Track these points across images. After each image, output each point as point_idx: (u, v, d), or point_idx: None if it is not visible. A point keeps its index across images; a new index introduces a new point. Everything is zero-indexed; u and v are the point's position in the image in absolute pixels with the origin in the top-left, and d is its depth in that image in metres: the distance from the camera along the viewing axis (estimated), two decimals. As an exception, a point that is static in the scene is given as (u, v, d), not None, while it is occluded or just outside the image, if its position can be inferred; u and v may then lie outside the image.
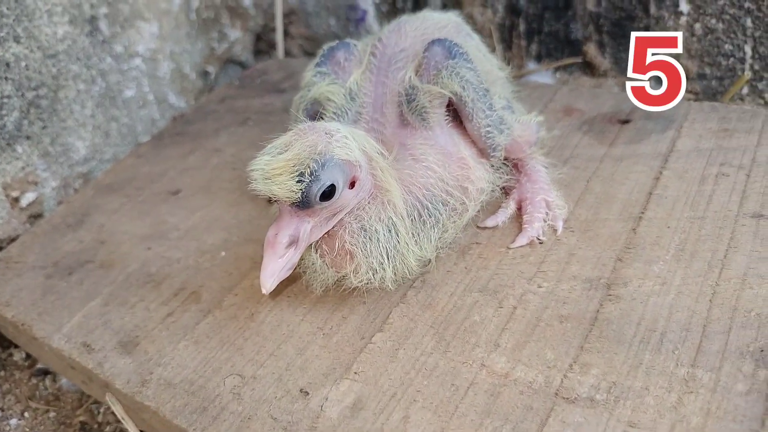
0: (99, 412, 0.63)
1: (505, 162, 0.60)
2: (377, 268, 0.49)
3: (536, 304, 0.50)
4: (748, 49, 0.77)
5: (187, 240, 0.65)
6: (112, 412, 0.61)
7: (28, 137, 0.75)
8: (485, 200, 0.57)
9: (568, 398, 0.43)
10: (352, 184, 0.48)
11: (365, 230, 0.49)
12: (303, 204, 0.46)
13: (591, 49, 0.86)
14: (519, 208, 0.58)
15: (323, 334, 0.51)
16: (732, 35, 0.77)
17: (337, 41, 0.61)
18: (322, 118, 0.58)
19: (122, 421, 0.53)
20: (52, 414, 0.64)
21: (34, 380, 0.67)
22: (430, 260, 0.53)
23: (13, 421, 0.63)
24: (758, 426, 0.39)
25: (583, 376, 0.44)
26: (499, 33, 0.92)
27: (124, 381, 0.52)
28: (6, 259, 0.69)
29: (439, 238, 0.53)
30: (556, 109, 0.72)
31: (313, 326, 0.52)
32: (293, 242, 0.48)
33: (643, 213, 0.56)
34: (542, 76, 0.89)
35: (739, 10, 0.75)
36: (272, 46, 1.07)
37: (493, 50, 0.92)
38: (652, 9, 0.80)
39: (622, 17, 0.82)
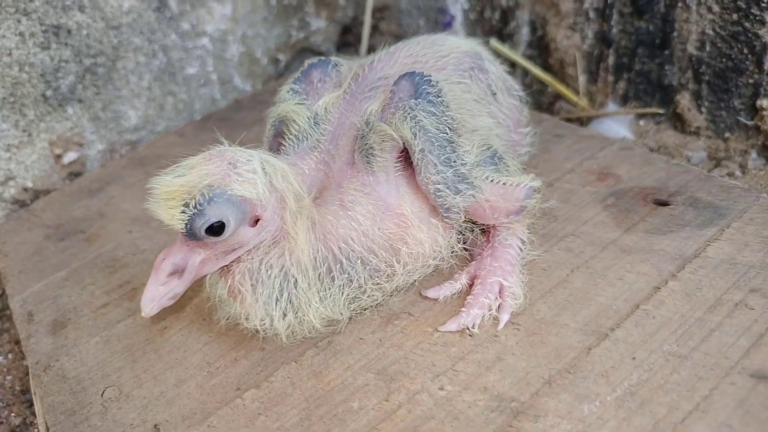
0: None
1: (472, 224, 0.51)
2: (266, 317, 0.44)
3: (423, 410, 0.42)
4: None
5: (161, 232, 0.65)
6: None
7: (80, 101, 0.80)
8: (433, 264, 0.49)
9: None
10: (256, 221, 0.44)
11: (258, 274, 0.44)
12: (189, 235, 0.43)
13: (684, 100, 0.70)
14: (471, 286, 0.49)
15: (207, 372, 0.48)
16: None
17: (318, 58, 0.55)
18: (284, 139, 0.54)
19: (33, 397, 0.55)
20: (25, 363, 0.68)
21: (25, 327, 0.72)
22: (339, 321, 0.47)
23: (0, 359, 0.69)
24: None
25: None
26: (586, 62, 0.79)
27: (35, 360, 0.53)
28: (30, 211, 0.75)
29: (353, 298, 0.46)
30: (591, 170, 0.60)
31: (205, 360, 0.49)
32: (177, 271, 0.45)
33: (613, 330, 0.44)
34: (620, 121, 0.75)
35: None
36: (360, 39, 1.03)
37: (564, 81, 0.80)
38: (767, 64, 0.63)
39: (727, 67, 0.66)
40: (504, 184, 0.49)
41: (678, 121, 0.72)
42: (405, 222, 0.47)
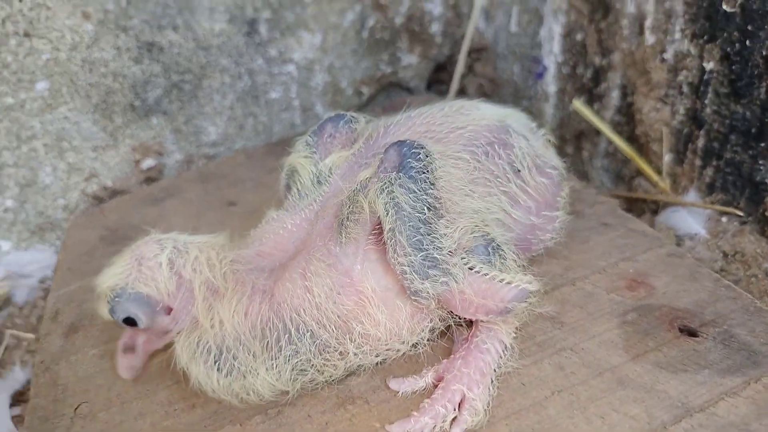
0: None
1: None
2: (206, 384, 0.46)
3: None
4: None
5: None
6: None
7: (165, 113, 0.85)
8: (402, 349, 0.46)
9: None
10: (170, 311, 0.46)
11: (189, 350, 0.46)
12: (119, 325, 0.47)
13: (777, 204, 0.60)
14: (437, 385, 0.45)
15: (165, 412, 0.49)
16: None
17: (336, 112, 0.54)
18: (289, 192, 0.53)
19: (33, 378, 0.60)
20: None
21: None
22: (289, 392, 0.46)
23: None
24: None
25: None
26: (675, 139, 0.69)
27: (40, 359, 0.57)
28: (102, 210, 0.81)
29: (301, 371, 0.45)
30: (625, 273, 0.53)
31: (168, 399, 0.50)
32: (128, 349, 0.49)
33: (567, 480, 0.38)
34: (697, 214, 0.65)
35: None
36: (452, 78, 1.00)
37: (647, 157, 0.71)
38: None
39: (834, 176, 0.55)
40: (491, 278, 0.44)
41: (766, 226, 0.61)
42: (364, 300, 0.44)
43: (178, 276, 0.45)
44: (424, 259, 0.42)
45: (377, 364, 0.48)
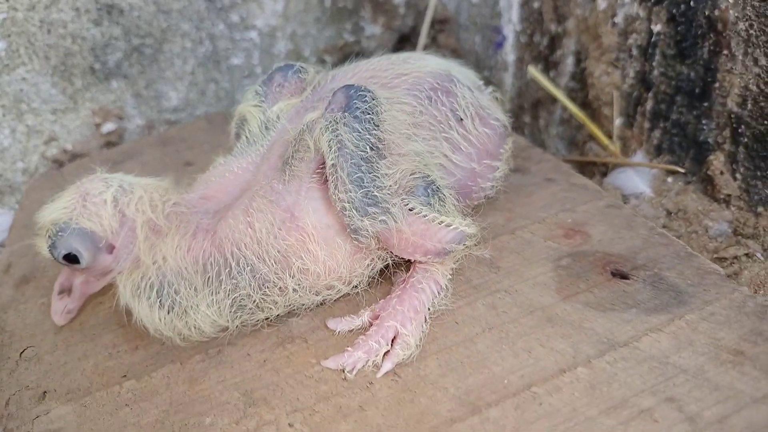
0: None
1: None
2: (149, 322, 0.46)
3: (264, 443, 0.40)
4: None
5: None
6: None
7: (125, 76, 0.85)
8: (342, 289, 0.47)
9: None
10: (113, 248, 0.46)
11: (131, 288, 0.47)
12: (58, 262, 0.46)
13: (718, 161, 0.61)
14: (371, 323, 0.46)
15: (108, 354, 0.50)
16: None
17: (285, 63, 0.55)
18: (239, 139, 0.54)
19: None
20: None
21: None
22: (229, 328, 0.46)
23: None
24: None
25: None
26: (624, 103, 0.71)
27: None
28: (62, 173, 0.81)
29: (239, 306, 0.46)
30: (563, 223, 0.54)
31: (113, 341, 0.51)
32: (65, 291, 0.49)
33: (489, 407, 0.39)
34: (643, 174, 0.67)
35: None
36: (415, 49, 1.01)
37: (599, 122, 0.73)
38: (812, 134, 0.53)
39: (768, 132, 0.56)
40: (430, 219, 0.45)
41: (708, 185, 0.63)
42: (304, 235, 0.45)
43: (122, 214, 0.46)
44: (364, 197, 0.43)
45: (318, 305, 0.49)
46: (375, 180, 0.44)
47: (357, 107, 0.44)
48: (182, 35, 0.86)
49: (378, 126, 0.45)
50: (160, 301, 0.45)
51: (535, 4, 0.81)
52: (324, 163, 0.44)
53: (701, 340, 0.41)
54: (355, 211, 0.43)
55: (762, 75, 0.56)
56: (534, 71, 0.78)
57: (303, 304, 0.48)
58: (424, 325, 0.45)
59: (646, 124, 0.69)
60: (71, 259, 0.45)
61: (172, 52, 0.87)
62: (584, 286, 0.47)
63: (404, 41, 1.02)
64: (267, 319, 0.47)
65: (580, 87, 0.77)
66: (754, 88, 0.57)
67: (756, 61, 0.56)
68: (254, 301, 0.46)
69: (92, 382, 0.47)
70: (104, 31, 0.82)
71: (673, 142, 0.66)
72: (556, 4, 0.78)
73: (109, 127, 0.87)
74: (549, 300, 0.46)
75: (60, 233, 0.45)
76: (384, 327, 0.44)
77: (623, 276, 0.48)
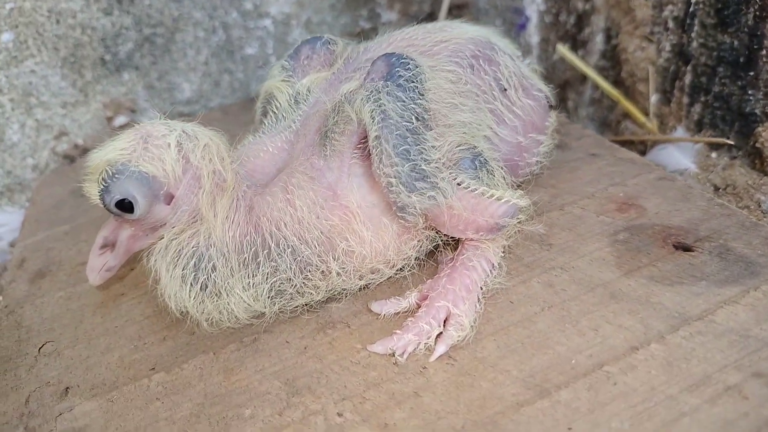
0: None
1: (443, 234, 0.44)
2: (179, 300, 0.42)
3: (311, 433, 0.36)
4: None
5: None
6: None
7: (136, 68, 0.82)
8: (386, 272, 0.44)
9: None
10: (171, 199, 0.41)
11: (169, 253, 0.41)
12: (109, 211, 0.41)
13: (766, 134, 0.58)
14: (420, 306, 0.43)
15: (134, 346, 0.46)
16: None
17: (313, 35, 0.52)
18: (265, 117, 0.51)
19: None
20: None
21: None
22: (264, 314, 0.43)
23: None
24: None
25: None
26: (660, 79, 0.68)
27: (4, 304, 0.54)
28: (73, 167, 0.79)
29: (279, 291, 0.42)
30: (615, 198, 0.51)
31: (138, 333, 0.47)
32: (108, 245, 0.44)
33: (559, 389, 0.36)
34: (686, 150, 0.63)
35: None
36: (434, 36, 0.98)
37: (633, 99, 0.70)
38: None
39: (825, 98, 0.53)
40: (480, 193, 0.42)
41: (757, 158, 0.59)
42: (348, 215, 0.42)
43: (186, 160, 0.41)
44: (411, 170, 0.40)
45: (360, 289, 0.45)
46: (422, 153, 0.40)
47: (400, 75, 0.41)
48: (195, 24, 0.83)
49: (423, 95, 0.41)
50: (195, 275, 0.41)
51: (561, -18, 0.78)
52: (366, 136, 0.41)
53: (780, 310, 0.38)
54: (402, 187, 0.40)
55: (816, 38, 0.53)
56: (563, 49, 0.75)
57: (345, 289, 0.44)
58: (477, 305, 0.41)
59: (685, 99, 0.66)
60: (125, 206, 0.40)
61: (185, 42, 0.84)
62: (646, 260, 0.44)
63: (421, 28, 1.00)
64: (306, 304, 0.44)
65: (612, 65, 0.74)
66: (808, 52, 0.54)
67: (810, 23, 0.53)
68: (294, 286, 0.42)
69: (118, 376, 0.44)
70: (114, 21, 0.79)
71: (715, 115, 0.63)
72: (583, -20, 0.75)
73: (121, 120, 0.84)
74: (610, 276, 0.43)
75: (116, 176, 0.39)
76: (435, 307, 0.41)
77: (687, 248, 0.44)
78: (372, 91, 0.40)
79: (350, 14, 0.93)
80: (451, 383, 0.38)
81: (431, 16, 0.98)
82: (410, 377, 0.39)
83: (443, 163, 0.42)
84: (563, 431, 0.34)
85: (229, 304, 0.42)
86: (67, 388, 0.44)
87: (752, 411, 0.33)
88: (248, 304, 0.42)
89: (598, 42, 0.75)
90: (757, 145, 0.59)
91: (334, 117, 0.42)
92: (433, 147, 0.41)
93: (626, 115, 0.72)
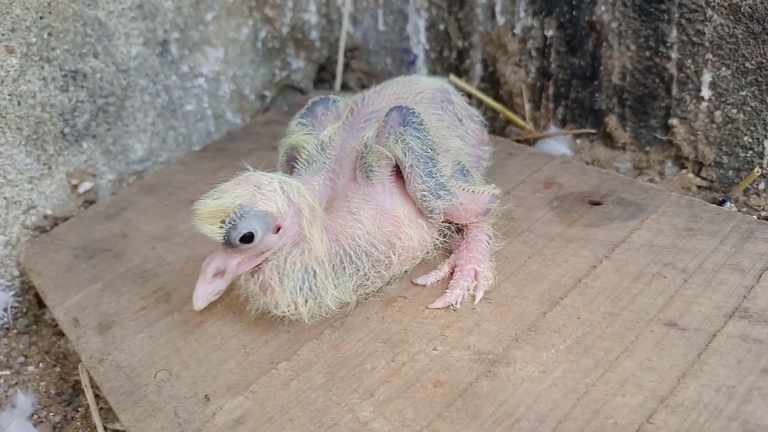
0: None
1: (450, 224, 0.64)
2: (292, 304, 0.56)
3: (422, 365, 0.54)
4: (767, 144, 0.74)
5: (184, 247, 0.76)
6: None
7: (93, 136, 0.90)
8: (420, 257, 0.62)
9: (404, 457, 0.47)
10: (278, 229, 0.55)
11: (284, 269, 0.56)
12: (227, 245, 0.54)
13: (612, 121, 0.86)
14: (452, 273, 0.62)
15: (244, 352, 0.59)
16: (752, 128, 0.74)
17: (320, 96, 0.68)
18: (296, 163, 0.66)
19: (84, 388, 0.65)
20: (57, 369, 0.77)
21: (54, 338, 0.81)
22: (349, 303, 0.59)
23: (30, 368, 0.78)
24: None
25: (426, 441, 0.48)
26: (530, 93, 0.94)
27: (88, 356, 0.63)
28: (54, 235, 0.84)
29: (360, 284, 0.59)
30: (539, 180, 0.74)
31: (240, 343, 0.60)
32: (219, 273, 0.56)
33: (562, 299, 0.57)
34: (560, 141, 0.90)
35: (761, 104, 0.72)
36: (334, 76, 1.17)
37: (512, 109, 0.95)
38: (674, 90, 0.79)
39: (644, 94, 0.82)
40: (473, 191, 0.62)
41: (607, 139, 0.87)
42: (398, 222, 0.59)
43: (288, 199, 0.55)
44: (435, 184, 0.59)
45: (403, 273, 0.63)
46: (439, 171, 0.60)
47: (413, 121, 0.60)
48: (141, 90, 0.93)
49: (428, 133, 0.61)
50: (303, 283, 0.55)
51: (441, 27, 1.02)
52: (397, 166, 0.60)
53: (665, 228, 0.63)
54: (432, 196, 0.59)
55: (633, 57, 0.81)
56: (454, 78, 0.98)
57: (395, 275, 0.62)
58: (491, 263, 0.62)
59: (551, 105, 0.92)
60: (245, 239, 0.52)
61: (134, 107, 0.93)
62: (576, 215, 0.67)
63: (322, 70, 1.18)
64: (373, 291, 0.61)
65: (491, 86, 0.99)
66: (629, 66, 0.82)
67: (628, 47, 0.81)
68: (369, 278, 0.59)
69: (246, 375, 0.56)
70: (71, 96, 0.86)
71: (574, 114, 0.90)
72: (459, 25, 0.99)
73: (85, 186, 0.90)
74: (559, 229, 0.66)
75: (244, 215, 0.52)
76: (466, 270, 0.61)
77: (597, 203, 0.69)
78: (398, 134, 0.59)
79: (267, 66, 1.08)
80: (496, 312, 0.57)
81: (329, 59, 1.16)
82: (468, 316, 0.58)
83: (449, 176, 0.61)
84: (575, 320, 0.55)
85: (325, 300, 0.57)
86: (206, 395, 0.55)
87: (671, 282, 0.57)
88: (338, 298, 0.58)
89: (478, 70, 1.00)
90: (607, 130, 0.87)
91: (369, 156, 0.60)
92: (443, 166, 0.61)
93: (508, 122, 0.98)
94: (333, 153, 0.64)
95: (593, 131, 0.88)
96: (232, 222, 0.52)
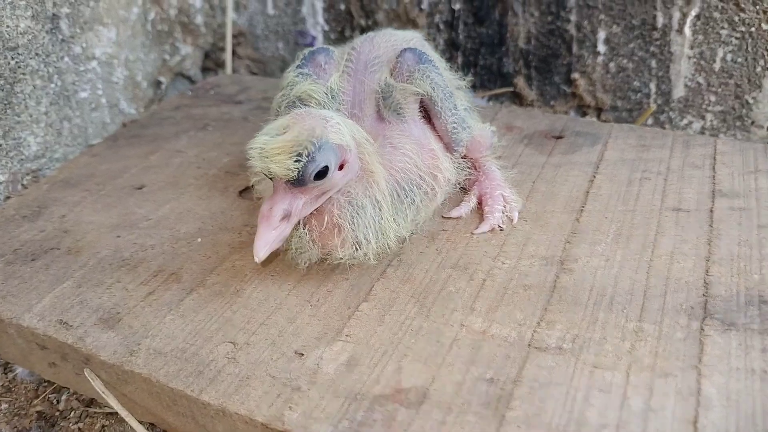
0: (59, 401, 0.61)
1: (465, 160, 0.67)
2: (362, 241, 0.54)
3: (502, 277, 0.56)
4: (652, 86, 0.91)
5: (159, 229, 0.66)
6: (77, 398, 0.60)
7: (-19, 127, 0.73)
8: (449, 191, 0.64)
9: (539, 348, 0.49)
10: (342, 166, 0.53)
11: (353, 205, 0.53)
12: (298, 182, 0.50)
13: (520, 82, 0.97)
14: (479, 203, 0.65)
15: (311, 306, 0.55)
16: (640, 74, 0.91)
17: (318, 47, 0.66)
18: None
19: (102, 394, 0.53)
20: (4, 406, 0.61)
21: (-18, 372, 0.64)
22: (405, 238, 0.58)
23: (-39, 415, 0.60)
24: (696, 362, 0.47)
25: (550, 331, 0.50)
26: (440, 63, 1.01)
27: (110, 352, 0.52)
28: (-41, 247, 0.66)
29: (413, 218, 0.59)
30: (499, 126, 0.81)
31: (301, 299, 0.56)
32: (286, 216, 0.52)
33: (583, 207, 0.65)
34: (476, 102, 0.99)
35: (646, 53, 0.89)
36: (219, 64, 1.11)
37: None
38: (575, 48, 0.93)
39: (548, 54, 0.95)
40: (480, 127, 0.67)
41: (517, 98, 0.99)
42: (435, 155, 0.61)
43: (351, 135, 0.53)
44: (460, 117, 0.62)
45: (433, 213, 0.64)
46: (458, 106, 0.63)
47: (429, 59, 0.63)
48: (31, 72, 0.78)
49: (441, 72, 0.64)
50: (369, 221, 0.53)
51: (341, 6, 1.04)
52: (422, 102, 0.61)
53: (624, 146, 0.75)
54: (459, 127, 0.62)
55: (536, 22, 0.94)
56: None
57: (436, 208, 0.63)
58: (511, 188, 0.67)
59: (461, 73, 1.01)
60: (320, 174, 0.49)
61: (25, 93, 0.78)
62: (549, 147, 0.76)
63: (207, 58, 1.11)
64: (422, 224, 0.61)
65: (398, 61, 1.04)
66: (534, 30, 0.94)
67: (532, 14, 0.93)
68: (419, 210, 0.59)
69: (329, 324, 0.52)
70: (-47, 77, 0.70)
71: (483, 80, 1.00)
72: (362, 3, 1.03)
73: (-22, 188, 0.73)
74: (543, 159, 0.74)
75: (322, 147, 0.49)
76: (495, 196, 0.64)
77: (560, 137, 0.78)
78: (422, 71, 0.61)
79: (157, 50, 0.99)
80: (536, 226, 0.62)
81: (213, 46, 1.11)
82: (513, 233, 0.61)
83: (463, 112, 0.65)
84: (604, 219, 0.63)
85: (389, 235, 0.56)
86: (296, 351, 0.50)
87: (656, 181, 0.68)
88: (398, 232, 0.57)
89: (383, 46, 1.04)
90: (516, 90, 0.98)
91: (395, 95, 0.60)
92: (460, 102, 0.64)
93: (420, 93, 1.04)
94: (346, 99, 0.63)
95: (511, 90, 0.98)
96: (311, 155, 0.49)
